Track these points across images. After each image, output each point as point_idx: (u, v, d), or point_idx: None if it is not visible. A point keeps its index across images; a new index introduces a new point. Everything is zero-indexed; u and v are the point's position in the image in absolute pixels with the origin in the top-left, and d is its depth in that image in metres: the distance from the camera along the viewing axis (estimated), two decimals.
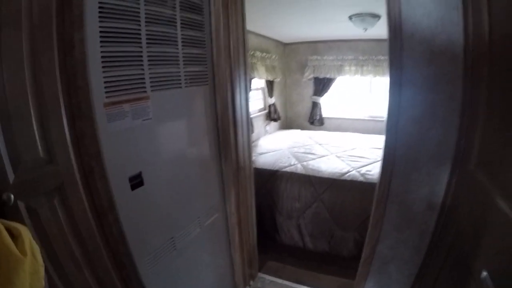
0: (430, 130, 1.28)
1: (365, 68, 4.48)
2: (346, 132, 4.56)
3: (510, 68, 0.85)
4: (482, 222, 0.94)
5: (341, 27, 3.47)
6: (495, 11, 0.94)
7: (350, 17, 2.94)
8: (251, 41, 3.72)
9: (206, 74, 1.43)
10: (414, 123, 1.29)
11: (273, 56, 4.39)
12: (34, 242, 0.65)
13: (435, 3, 1.17)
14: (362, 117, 4.94)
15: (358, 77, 4.60)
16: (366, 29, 3.03)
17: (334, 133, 4.47)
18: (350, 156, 3.15)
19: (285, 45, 5.01)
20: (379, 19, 2.79)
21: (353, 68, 4.60)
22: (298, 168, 2.82)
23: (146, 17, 1.06)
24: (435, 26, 1.18)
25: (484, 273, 0.78)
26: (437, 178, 1.31)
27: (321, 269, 2.43)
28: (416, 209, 1.40)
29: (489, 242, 0.89)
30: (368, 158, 3.02)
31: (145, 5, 1.05)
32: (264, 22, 3.29)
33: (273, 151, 3.36)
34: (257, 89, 4.44)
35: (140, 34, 1.05)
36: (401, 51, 1.24)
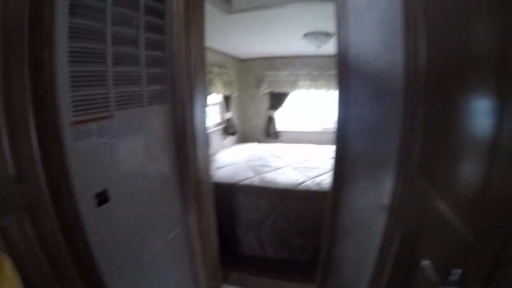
0: (375, 141, 1.41)
1: (318, 82, 4.74)
2: (301, 144, 4.78)
3: (443, 86, 0.99)
4: (423, 220, 1.05)
5: (296, 44, 3.68)
6: (432, 36, 1.07)
7: (305, 35, 3.15)
8: (209, 57, 3.78)
9: (167, 93, 1.48)
10: (361, 135, 1.42)
11: (230, 72, 4.52)
12: (14, 271, 0.64)
13: (378, 27, 1.31)
14: (316, 129, 5.18)
15: (312, 91, 4.90)
16: (319, 46, 3.27)
17: (290, 145, 4.67)
18: (305, 167, 3.32)
19: (242, 60, 5.18)
20: (331, 37, 3.00)
21: (307, 82, 4.86)
22: (255, 180, 2.92)
23: (112, 38, 1.10)
24: (378, 49, 1.32)
25: (426, 262, 0.89)
26: (383, 183, 1.44)
27: (284, 276, 2.52)
28: (366, 213, 1.52)
29: (429, 237, 1.00)
30: (322, 168, 3.20)
31: (111, 25, 1.09)
32: (223, 39, 3.40)
33: (231, 165, 3.44)
34: (214, 104, 4.51)
35: (106, 54, 1.08)
36: (348, 71, 1.37)
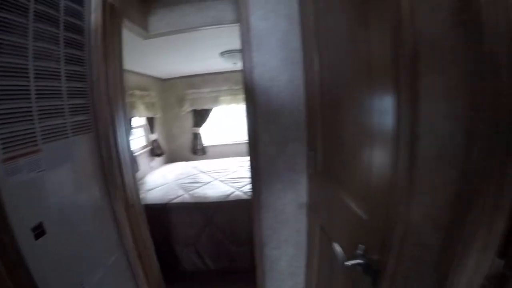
0: (285, 148, 1.56)
1: (238, 96, 4.94)
2: (228, 157, 4.96)
3: (335, 95, 1.14)
4: (333, 209, 1.18)
5: (215, 62, 3.81)
6: (323, 53, 1.21)
7: (222, 54, 3.30)
8: (130, 80, 3.75)
9: (90, 122, 1.50)
10: (271, 145, 1.56)
11: (152, 93, 4.49)
12: None
13: (279, 47, 1.46)
14: (240, 141, 5.35)
15: (233, 105, 5.14)
16: (236, 63, 3.46)
17: (217, 160, 4.79)
18: (232, 178, 3.48)
19: (163, 81, 5.18)
20: None
21: (228, 97, 5.08)
22: (186, 198, 2.97)
23: (35, 73, 1.11)
24: (280, 66, 1.47)
25: (335, 244, 1.02)
26: (298, 183, 1.60)
27: (227, 285, 2.63)
28: (288, 212, 1.66)
29: (338, 223, 1.13)
30: (248, 178, 3.36)
31: (33, 61, 1.11)
32: (142, 62, 3.42)
33: (161, 186, 3.44)
34: (138, 126, 4.43)
35: (29, 89, 1.09)
36: (254, 88, 1.51)
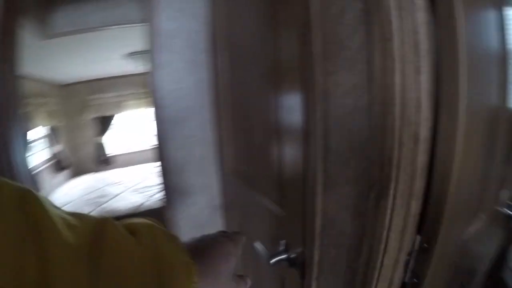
0: (194, 152, 1.52)
1: (144, 100, 4.69)
2: (137, 165, 4.69)
3: (242, 94, 1.16)
4: (250, 209, 1.19)
5: (120, 64, 3.58)
6: (232, 53, 1.22)
7: (130, 54, 3.14)
8: (27, 87, 3.29)
9: None
10: (180, 149, 1.50)
11: (52, 100, 4.02)
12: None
13: (187, 48, 1.41)
14: (148, 147, 5.07)
15: (139, 110, 4.88)
16: (142, 66, 3.26)
17: (127, 168, 4.52)
18: (143, 187, 3.31)
19: (64, 86, 4.66)
20: None
21: (134, 102, 4.81)
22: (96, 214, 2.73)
23: None
24: (187, 67, 1.43)
25: (256, 243, 0.98)
26: (211, 186, 1.57)
27: None
28: (204, 215, 1.63)
29: (257, 222, 1.14)
30: (160, 185, 3.22)
31: None
32: (40, 65, 3.02)
33: (67, 204, 3.11)
34: (39, 138, 3.92)
35: None
36: (160, 91, 1.43)
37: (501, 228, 1.12)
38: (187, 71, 1.45)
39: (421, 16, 0.45)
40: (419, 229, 0.59)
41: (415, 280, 0.61)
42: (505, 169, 0.97)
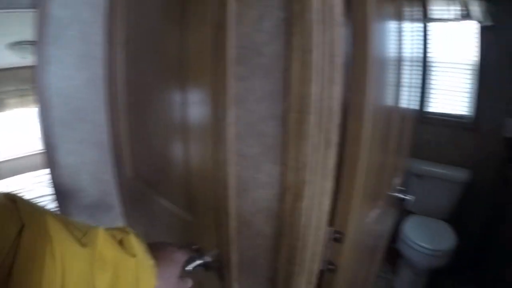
0: (89, 156, 1.37)
1: (28, 98, 4.12)
2: (24, 172, 4.07)
3: (140, 92, 1.08)
4: (155, 216, 1.15)
5: (2, 55, 3.09)
6: (129, 47, 1.15)
7: (11, 45, 2.72)
8: None
9: None
10: (72, 154, 1.33)
11: None
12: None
13: (80, 40, 1.25)
14: (26, 153, 4.50)
15: (22, 109, 4.25)
16: (26, 58, 2.87)
17: (6, 180, 3.87)
18: (31, 199, 2.91)
19: None
20: None
21: (15, 100, 4.16)
22: None
23: None
24: (79, 62, 1.27)
25: None
26: (109, 192, 1.46)
27: None
28: (103, 224, 1.52)
29: (165, 229, 1.09)
30: (51, 194, 2.85)
31: None
32: None
33: None
34: None
35: None
36: (47, 88, 1.24)
37: (394, 209, 1.29)
38: (79, 66, 1.29)
39: (339, 31, 0.48)
40: (331, 222, 0.64)
41: (331, 266, 0.66)
42: (396, 159, 1.12)
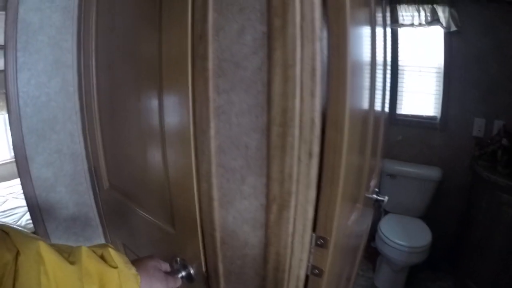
0: (63, 168, 1.34)
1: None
2: None
3: (112, 99, 1.06)
4: (134, 228, 1.12)
5: None
6: (99, 53, 1.12)
7: None
8: None
9: None
10: (46, 166, 1.30)
11: None
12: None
13: (51, 46, 1.22)
14: (3, 161, 4.33)
15: None
16: None
17: None
18: (3, 212, 2.70)
19: None
20: None
21: None
22: None
23: None
24: (51, 69, 1.24)
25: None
26: (87, 205, 1.43)
27: None
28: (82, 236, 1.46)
29: (145, 242, 1.08)
30: (24, 206, 2.70)
31: None
32: None
33: None
34: None
35: None
36: (18, 97, 1.20)
37: (371, 209, 1.33)
38: (51, 73, 1.26)
39: (318, 45, 0.50)
40: (314, 228, 0.65)
41: (316, 271, 0.68)
42: (372, 161, 1.15)
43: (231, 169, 0.66)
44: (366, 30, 0.87)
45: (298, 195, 0.58)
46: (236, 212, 0.69)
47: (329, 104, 0.56)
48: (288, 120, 0.52)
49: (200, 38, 0.62)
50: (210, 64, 0.62)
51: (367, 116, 0.94)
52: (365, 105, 0.90)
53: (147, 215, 1.00)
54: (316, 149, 0.56)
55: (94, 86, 1.17)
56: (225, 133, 0.64)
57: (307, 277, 0.70)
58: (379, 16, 1.14)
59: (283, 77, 0.51)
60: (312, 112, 0.52)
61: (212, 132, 0.65)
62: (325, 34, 0.54)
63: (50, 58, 1.24)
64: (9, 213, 2.69)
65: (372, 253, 2.56)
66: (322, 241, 0.67)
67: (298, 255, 0.64)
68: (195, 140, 0.70)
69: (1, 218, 2.62)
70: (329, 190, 0.63)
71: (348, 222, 0.88)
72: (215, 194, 0.70)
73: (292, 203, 0.58)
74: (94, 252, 0.52)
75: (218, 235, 0.74)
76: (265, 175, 0.60)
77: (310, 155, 0.55)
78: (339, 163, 0.60)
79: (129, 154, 1.05)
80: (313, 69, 0.51)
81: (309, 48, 0.50)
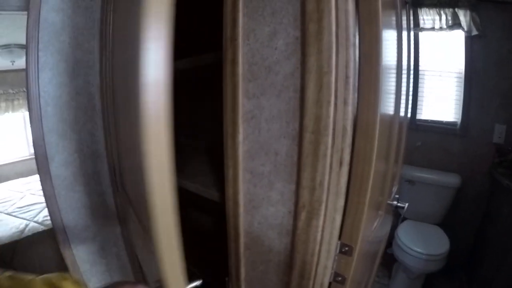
0: (84, 167, 1.36)
1: (16, 102, 4.08)
2: (7, 181, 3.94)
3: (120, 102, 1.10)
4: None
5: None
6: (114, 55, 1.05)
7: (4, 47, 2.64)
8: None
9: None
10: (66, 166, 1.32)
11: None
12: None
13: (73, 47, 1.24)
14: (21, 158, 4.39)
15: (9, 114, 4.15)
16: (14, 62, 2.82)
17: None
18: (21, 207, 2.80)
19: None
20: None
21: (2, 104, 4.08)
22: None
23: None
24: (73, 70, 1.26)
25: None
26: (105, 205, 1.45)
27: None
28: (101, 237, 1.50)
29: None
30: (41, 203, 2.80)
31: None
32: None
33: None
34: None
35: None
36: (39, 96, 1.23)
37: (391, 215, 1.31)
38: (73, 73, 1.28)
39: (352, 52, 0.49)
40: (340, 235, 0.65)
41: (339, 278, 0.67)
42: (394, 167, 1.14)
43: (259, 174, 0.66)
44: (393, 34, 0.86)
45: (328, 204, 0.57)
46: (261, 217, 0.69)
47: (359, 112, 0.55)
48: (321, 128, 0.51)
49: (231, 39, 0.62)
50: (240, 69, 0.62)
51: (393, 122, 0.93)
52: (391, 111, 0.89)
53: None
54: (347, 157, 0.55)
55: (110, 86, 1.17)
56: (254, 138, 0.64)
57: (329, 284, 0.69)
58: (404, 20, 1.12)
59: (317, 84, 0.51)
60: (344, 120, 0.52)
61: (241, 137, 0.65)
62: (357, 41, 0.53)
63: (71, 58, 1.26)
64: (26, 209, 2.73)
65: (388, 259, 2.52)
66: (347, 249, 0.67)
67: (324, 263, 0.64)
68: (224, 144, 0.70)
69: (19, 214, 2.66)
70: (356, 199, 0.62)
71: (371, 228, 0.87)
72: (241, 199, 0.70)
73: (322, 211, 0.57)
74: (51, 284, 0.52)
75: (241, 240, 0.74)
76: (295, 182, 0.59)
77: (341, 163, 0.55)
78: (368, 172, 0.59)
79: (131, 154, 1.03)
80: (347, 77, 0.50)
81: (343, 55, 0.50)
